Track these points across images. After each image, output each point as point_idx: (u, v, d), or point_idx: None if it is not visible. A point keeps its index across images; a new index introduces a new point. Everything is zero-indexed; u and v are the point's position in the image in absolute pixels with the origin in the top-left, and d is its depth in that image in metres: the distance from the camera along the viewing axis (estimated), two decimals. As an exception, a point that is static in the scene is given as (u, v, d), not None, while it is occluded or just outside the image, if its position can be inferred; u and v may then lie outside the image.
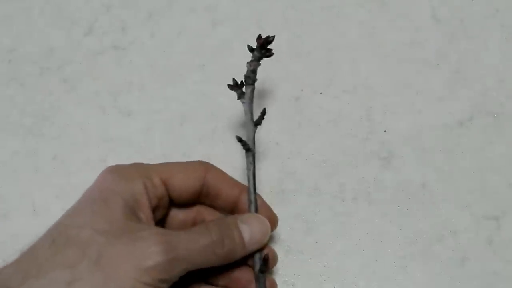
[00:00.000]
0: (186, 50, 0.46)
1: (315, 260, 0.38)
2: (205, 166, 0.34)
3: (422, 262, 0.37)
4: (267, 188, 0.40)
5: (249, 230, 0.32)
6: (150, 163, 0.33)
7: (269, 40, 0.36)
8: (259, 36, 0.36)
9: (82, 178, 0.41)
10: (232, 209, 0.35)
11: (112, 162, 0.41)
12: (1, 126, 0.44)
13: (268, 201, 0.38)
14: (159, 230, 0.29)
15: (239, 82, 0.36)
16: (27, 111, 0.45)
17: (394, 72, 0.44)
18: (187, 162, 0.35)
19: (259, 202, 0.35)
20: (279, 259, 0.37)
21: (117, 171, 0.31)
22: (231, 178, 0.35)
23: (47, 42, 0.47)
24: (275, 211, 0.38)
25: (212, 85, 0.44)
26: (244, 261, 0.33)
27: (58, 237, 0.28)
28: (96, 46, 0.47)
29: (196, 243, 0.30)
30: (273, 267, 0.35)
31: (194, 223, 0.35)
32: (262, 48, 0.36)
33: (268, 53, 0.37)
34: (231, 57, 0.46)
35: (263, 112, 0.36)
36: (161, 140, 0.43)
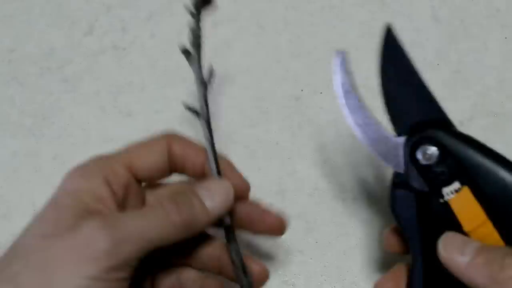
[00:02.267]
0: (186, 50, 0.46)
1: (315, 260, 0.38)
2: (167, 137, 0.32)
3: (422, 262, 0.37)
4: (267, 188, 0.40)
5: (209, 194, 0.29)
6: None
7: None
8: None
9: (82, 178, 0.41)
10: (202, 177, 0.32)
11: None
12: (1, 126, 0.44)
13: (268, 201, 0.38)
14: (105, 217, 0.27)
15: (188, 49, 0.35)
16: (27, 111, 0.45)
17: (394, 72, 0.44)
18: (148, 139, 0.32)
19: (226, 168, 0.32)
20: (279, 259, 0.37)
21: (76, 170, 0.30)
22: (196, 145, 0.33)
23: (47, 42, 0.47)
24: (275, 211, 0.38)
25: (212, 85, 0.44)
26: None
27: (9, 249, 0.28)
28: (96, 46, 0.47)
29: (147, 217, 0.27)
30: (263, 283, 0.33)
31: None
32: (198, 6, 0.35)
33: (206, 5, 0.35)
34: (231, 57, 0.46)
35: (211, 70, 0.34)
36: (161, 140, 0.43)
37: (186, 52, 0.35)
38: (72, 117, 0.44)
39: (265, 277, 0.32)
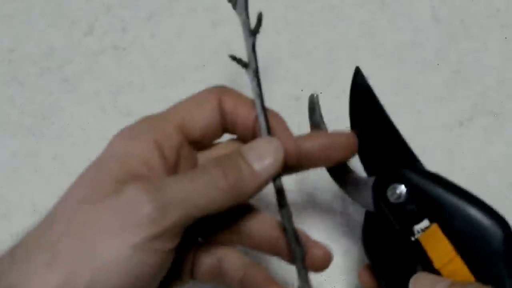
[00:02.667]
0: (186, 50, 0.46)
1: (315, 260, 0.38)
2: (218, 92, 0.30)
3: (422, 262, 0.37)
4: (267, 188, 0.40)
5: (256, 154, 0.27)
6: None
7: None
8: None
9: (82, 178, 0.41)
10: (253, 136, 0.29)
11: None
12: (1, 126, 0.44)
13: (268, 201, 0.38)
14: (150, 182, 0.25)
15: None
16: (27, 111, 0.45)
17: (394, 72, 0.44)
18: (198, 95, 0.30)
19: (275, 125, 0.29)
20: (279, 259, 0.37)
21: (126, 132, 0.28)
22: (248, 99, 0.30)
23: (47, 42, 0.47)
24: (275, 211, 0.38)
25: (212, 85, 0.44)
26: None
27: (48, 215, 0.26)
28: (96, 46, 0.47)
29: (193, 181, 0.25)
30: (327, 266, 0.31)
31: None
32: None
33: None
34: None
35: (259, 17, 0.32)
36: (161, 140, 0.43)
37: (241, 61, 0.32)
38: (72, 117, 0.44)
39: (327, 261, 0.30)
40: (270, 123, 0.29)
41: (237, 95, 0.30)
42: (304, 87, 0.43)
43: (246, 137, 0.30)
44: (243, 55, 0.45)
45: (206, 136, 0.30)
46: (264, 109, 0.29)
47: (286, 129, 0.30)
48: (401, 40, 0.45)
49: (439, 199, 0.29)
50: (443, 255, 0.28)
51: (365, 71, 0.44)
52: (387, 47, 0.45)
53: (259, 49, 0.46)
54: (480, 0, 0.46)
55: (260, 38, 0.47)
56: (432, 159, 0.40)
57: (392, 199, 0.30)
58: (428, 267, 0.28)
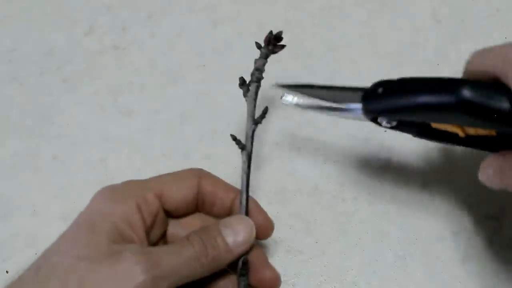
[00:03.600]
0: (186, 50, 0.46)
1: (315, 260, 0.38)
2: (198, 173, 0.34)
3: (422, 262, 0.37)
4: (267, 188, 0.40)
5: (232, 233, 0.31)
6: (146, 177, 0.33)
7: (277, 36, 0.36)
8: (270, 32, 0.36)
9: (82, 178, 0.41)
10: (228, 215, 0.34)
11: (112, 162, 0.41)
12: (1, 126, 0.44)
13: (268, 201, 0.38)
14: (141, 248, 0.29)
15: (247, 81, 0.36)
16: (27, 111, 0.44)
17: (394, 72, 0.43)
18: (179, 172, 0.34)
19: (252, 205, 0.34)
20: (278, 259, 0.37)
21: (109, 192, 0.31)
22: (225, 183, 0.34)
23: (47, 42, 0.47)
24: (275, 211, 0.38)
25: (212, 85, 0.44)
26: (232, 267, 0.33)
27: (43, 265, 0.28)
28: (96, 46, 0.47)
29: (179, 256, 0.29)
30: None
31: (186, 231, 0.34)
32: (269, 44, 0.36)
33: (276, 50, 0.36)
34: (231, 57, 0.46)
35: (265, 111, 0.36)
36: (161, 140, 0.43)
37: (244, 85, 0.36)
38: (72, 117, 0.44)
39: (276, 285, 0.33)
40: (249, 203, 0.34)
41: (216, 179, 0.34)
42: (304, 87, 0.43)
43: (220, 216, 0.34)
44: (244, 55, 0.45)
45: (180, 209, 0.33)
46: (247, 189, 0.34)
47: (260, 208, 0.34)
48: (401, 40, 0.45)
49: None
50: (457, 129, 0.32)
51: (365, 71, 0.45)
52: (387, 47, 0.45)
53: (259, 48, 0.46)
54: (480, 0, 0.46)
55: (261, 38, 0.47)
56: (432, 159, 0.40)
57: (386, 124, 0.33)
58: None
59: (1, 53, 0.47)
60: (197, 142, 0.42)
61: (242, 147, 0.35)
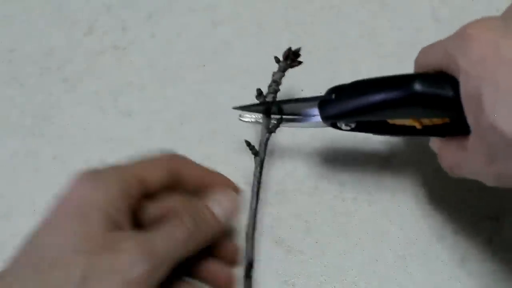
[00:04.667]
0: (186, 50, 0.46)
1: (315, 260, 0.38)
2: (172, 157, 0.34)
3: (422, 262, 0.37)
4: (267, 188, 0.40)
5: (219, 206, 0.32)
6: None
7: (295, 52, 0.39)
8: (289, 48, 0.39)
9: (82, 178, 0.41)
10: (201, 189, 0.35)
11: (112, 162, 0.41)
12: (1, 126, 0.44)
13: (268, 201, 0.38)
14: (138, 237, 0.29)
15: (264, 92, 0.39)
16: (27, 111, 0.45)
17: (394, 72, 0.44)
18: (154, 156, 0.34)
19: (219, 179, 0.35)
20: (279, 259, 0.37)
21: (91, 178, 0.31)
22: (197, 164, 0.35)
23: (47, 42, 0.47)
24: (275, 211, 0.38)
25: (212, 85, 0.45)
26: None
27: (41, 261, 0.28)
28: (96, 46, 0.47)
29: (175, 239, 0.30)
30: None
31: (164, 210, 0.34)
32: (287, 59, 0.39)
33: (293, 64, 0.39)
34: (231, 57, 0.46)
35: (279, 121, 0.37)
36: (161, 140, 0.43)
37: (260, 96, 0.38)
38: (72, 117, 0.44)
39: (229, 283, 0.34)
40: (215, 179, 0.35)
41: (188, 161, 0.35)
42: (304, 87, 0.43)
43: (195, 192, 0.35)
44: (244, 55, 0.45)
45: (155, 191, 0.33)
46: (258, 193, 0.36)
47: (226, 179, 0.36)
48: (401, 40, 0.45)
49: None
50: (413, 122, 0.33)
51: (365, 71, 0.45)
52: (387, 47, 0.45)
53: (259, 48, 0.46)
54: (480, 0, 0.46)
55: (261, 38, 0.47)
56: (432, 158, 0.40)
57: (344, 128, 0.35)
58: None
59: (1, 53, 0.47)
60: (197, 142, 0.42)
61: (255, 153, 0.37)
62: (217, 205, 0.32)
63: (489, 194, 0.39)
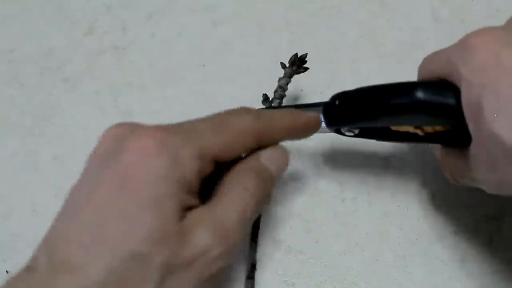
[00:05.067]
0: (186, 50, 0.46)
1: (315, 260, 0.38)
2: (257, 131, 0.31)
3: (422, 262, 0.37)
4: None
5: (273, 163, 0.32)
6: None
7: (301, 58, 0.39)
8: (295, 54, 0.39)
9: (82, 178, 0.41)
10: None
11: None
12: (1, 126, 0.44)
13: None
14: (210, 218, 0.27)
15: (270, 97, 0.39)
16: (27, 111, 0.45)
17: (394, 72, 0.44)
18: (236, 121, 0.30)
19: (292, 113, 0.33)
20: (278, 259, 0.37)
21: (164, 150, 0.26)
22: (278, 116, 0.32)
23: (47, 42, 0.47)
24: (275, 211, 0.38)
25: (212, 85, 0.44)
26: None
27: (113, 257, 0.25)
28: (96, 46, 0.47)
29: (244, 212, 0.28)
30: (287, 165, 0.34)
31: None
32: (293, 65, 0.39)
33: (299, 70, 0.39)
34: (231, 57, 0.46)
35: None
36: (161, 140, 0.42)
37: (266, 101, 0.39)
38: (72, 117, 0.44)
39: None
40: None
41: (270, 116, 0.32)
42: (304, 87, 0.43)
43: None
44: (244, 55, 0.45)
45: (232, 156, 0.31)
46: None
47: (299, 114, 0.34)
48: (401, 40, 0.45)
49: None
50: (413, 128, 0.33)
51: (365, 71, 0.45)
52: (387, 47, 0.45)
53: (259, 48, 0.46)
54: (480, 0, 0.46)
55: (261, 38, 0.47)
56: (432, 158, 0.40)
57: (349, 133, 0.35)
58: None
59: (1, 53, 0.47)
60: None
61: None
62: (272, 162, 0.31)
63: (489, 194, 0.39)
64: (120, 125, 0.28)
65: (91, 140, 0.43)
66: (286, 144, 0.33)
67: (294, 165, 0.41)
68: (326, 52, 0.45)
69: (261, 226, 0.38)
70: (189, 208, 0.27)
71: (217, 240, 0.27)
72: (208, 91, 0.44)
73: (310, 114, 0.34)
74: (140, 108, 0.44)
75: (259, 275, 0.37)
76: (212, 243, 0.26)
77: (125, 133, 0.27)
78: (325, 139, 0.41)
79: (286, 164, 0.33)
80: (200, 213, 0.27)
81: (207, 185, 0.30)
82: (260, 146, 0.32)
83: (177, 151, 0.27)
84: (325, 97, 0.44)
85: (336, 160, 0.41)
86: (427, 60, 0.33)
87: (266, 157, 0.31)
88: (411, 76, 0.44)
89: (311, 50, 0.45)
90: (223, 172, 0.30)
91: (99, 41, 0.47)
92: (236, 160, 0.31)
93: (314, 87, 0.44)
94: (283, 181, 0.40)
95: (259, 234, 0.37)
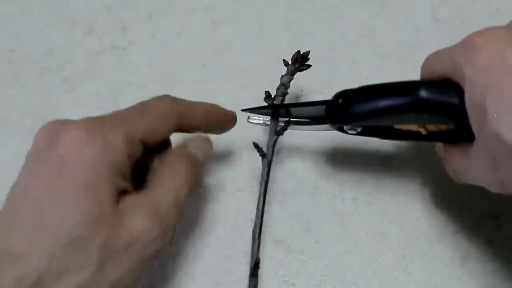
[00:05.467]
0: (186, 50, 0.46)
1: (315, 260, 0.38)
2: (176, 109, 0.33)
3: (422, 262, 0.37)
4: (267, 188, 0.40)
5: (200, 151, 0.34)
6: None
7: (304, 55, 0.39)
8: (298, 51, 0.39)
9: (82, 178, 0.41)
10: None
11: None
12: (1, 126, 0.44)
13: (268, 201, 0.38)
14: (145, 202, 0.28)
15: (272, 95, 0.39)
16: (27, 111, 0.45)
17: (394, 72, 0.44)
18: (157, 106, 0.32)
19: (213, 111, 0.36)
20: (279, 259, 0.37)
21: (95, 137, 0.28)
22: (195, 103, 0.35)
23: (47, 42, 0.47)
24: (275, 211, 0.38)
25: (212, 85, 0.44)
26: None
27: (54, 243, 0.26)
28: (96, 46, 0.47)
29: (178, 196, 0.30)
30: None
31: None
32: (296, 62, 0.39)
33: (302, 68, 0.39)
34: (231, 57, 0.46)
35: (287, 123, 0.37)
36: (161, 140, 0.43)
37: (269, 99, 0.39)
38: (72, 117, 0.44)
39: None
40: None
41: (187, 103, 0.34)
42: (304, 87, 0.43)
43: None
44: (244, 55, 0.45)
45: (161, 139, 0.33)
46: (265, 194, 0.36)
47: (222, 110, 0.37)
48: (401, 40, 0.45)
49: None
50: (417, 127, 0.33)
51: (365, 71, 0.45)
52: (387, 47, 0.45)
53: (259, 48, 0.46)
54: (480, 0, 0.46)
55: (261, 38, 0.47)
56: (432, 158, 0.40)
57: (352, 132, 0.35)
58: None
59: (1, 53, 0.47)
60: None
61: (263, 155, 0.37)
62: (199, 150, 0.33)
63: (489, 194, 0.39)
64: (51, 122, 0.30)
65: (91, 140, 0.44)
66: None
67: (294, 164, 0.41)
68: (326, 52, 0.45)
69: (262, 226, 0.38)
70: (123, 192, 0.29)
71: (153, 223, 0.28)
72: (208, 91, 0.44)
73: (228, 110, 0.37)
74: (140, 108, 0.44)
75: (259, 275, 0.37)
76: (148, 226, 0.27)
77: (57, 128, 0.29)
78: (325, 139, 0.41)
79: (210, 150, 0.35)
80: (135, 198, 0.29)
81: (138, 172, 0.31)
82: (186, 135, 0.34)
83: (107, 137, 0.28)
84: (325, 97, 0.44)
85: (336, 160, 0.41)
86: (430, 59, 0.33)
87: (193, 145, 0.33)
88: (411, 76, 0.44)
89: (311, 50, 0.45)
90: (153, 160, 0.32)
91: (99, 41, 0.47)
92: (166, 149, 0.33)
93: (314, 87, 0.44)
94: (283, 181, 0.40)
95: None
